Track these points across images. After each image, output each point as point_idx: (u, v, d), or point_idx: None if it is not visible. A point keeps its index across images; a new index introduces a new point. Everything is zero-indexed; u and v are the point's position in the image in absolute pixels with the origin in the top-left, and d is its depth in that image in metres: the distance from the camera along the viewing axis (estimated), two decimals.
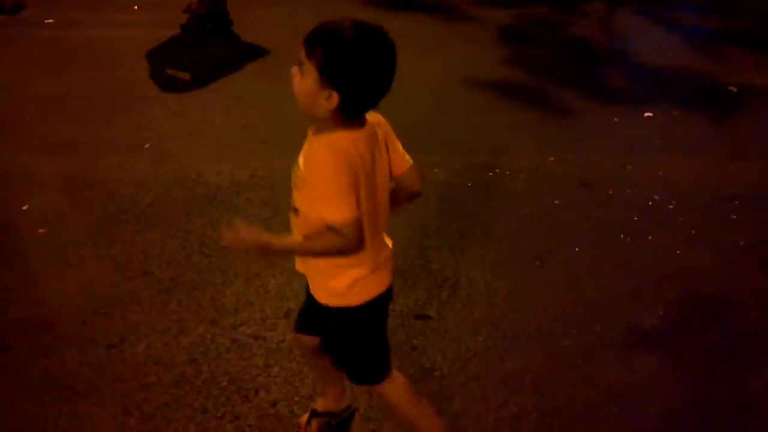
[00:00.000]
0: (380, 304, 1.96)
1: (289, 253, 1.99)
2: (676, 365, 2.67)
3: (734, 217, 3.58)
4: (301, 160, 1.81)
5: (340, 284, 1.88)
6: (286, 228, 3.32)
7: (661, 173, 3.97)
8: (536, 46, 5.85)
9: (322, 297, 1.93)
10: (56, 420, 2.37)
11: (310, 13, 6.63)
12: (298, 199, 1.84)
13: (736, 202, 3.70)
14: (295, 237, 1.88)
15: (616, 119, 4.67)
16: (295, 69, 1.76)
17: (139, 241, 3.29)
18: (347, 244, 1.75)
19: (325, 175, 1.72)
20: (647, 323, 2.87)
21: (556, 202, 3.65)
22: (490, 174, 3.85)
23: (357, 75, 1.70)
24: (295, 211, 1.86)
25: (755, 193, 3.79)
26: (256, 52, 5.53)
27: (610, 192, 3.76)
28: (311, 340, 2.16)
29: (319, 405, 2.34)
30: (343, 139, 1.75)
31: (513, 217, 3.50)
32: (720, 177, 3.97)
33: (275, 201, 3.59)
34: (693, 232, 3.45)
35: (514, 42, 5.91)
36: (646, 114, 4.74)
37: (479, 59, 5.34)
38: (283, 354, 2.64)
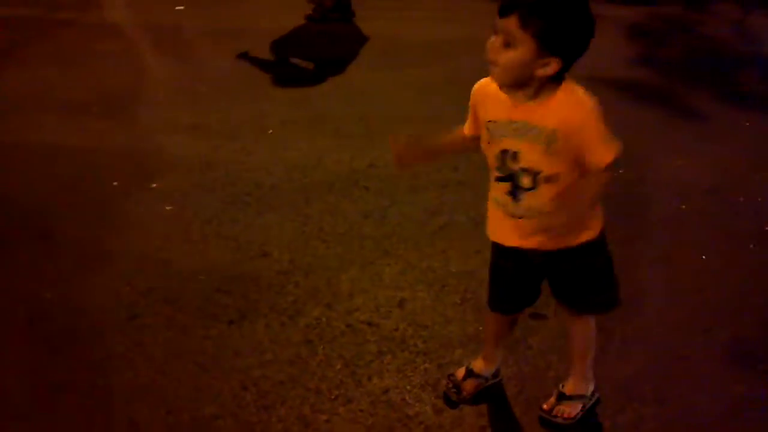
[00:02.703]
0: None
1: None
2: None
3: None
4: (552, 125, 1.83)
5: (598, 216, 2.05)
6: (404, 217, 3.37)
7: None
8: (665, 46, 5.66)
9: (582, 237, 2.01)
10: (176, 390, 2.46)
11: (427, 5, 6.67)
12: (559, 163, 1.88)
13: None
14: (536, 205, 1.94)
15: (747, 123, 4.45)
16: (496, 41, 1.78)
17: (260, 223, 3.38)
18: (613, 177, 1.90)
19: (597, 119, 1.83)
20: None
21: (682, 207, 3.51)
22: (614, 175, 3.74)
23: (580, 39, 1.76)
24: (555, 177, 1.89)
25: None
26: (377, 44, 5.58)
27: (741, 199, 3.58)
28: (509, 318, 2.35)
29: (477, 367, 2.41)
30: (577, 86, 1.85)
31: (638, 221, 3.38)
32: None
33: (392, 191, 3.62)
34: None
35: (642, 40, 5.73)
36: None
37: (607, 57, 5.20)
38: (396, 343, 2.65)
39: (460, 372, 2.43)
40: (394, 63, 5.24)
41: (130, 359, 2.60)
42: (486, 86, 1.97)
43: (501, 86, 1.88)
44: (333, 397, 2.43)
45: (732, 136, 4.27)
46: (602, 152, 1.84)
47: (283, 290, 2.94)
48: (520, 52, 1.74)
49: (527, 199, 1.95)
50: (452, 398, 2.40)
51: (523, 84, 1.83)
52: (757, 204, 3.57)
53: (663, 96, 4.73)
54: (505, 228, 2.07)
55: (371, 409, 2.38)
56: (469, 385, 2.40)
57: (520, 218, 1.99)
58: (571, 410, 2.31)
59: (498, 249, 2.18)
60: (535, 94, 1.83)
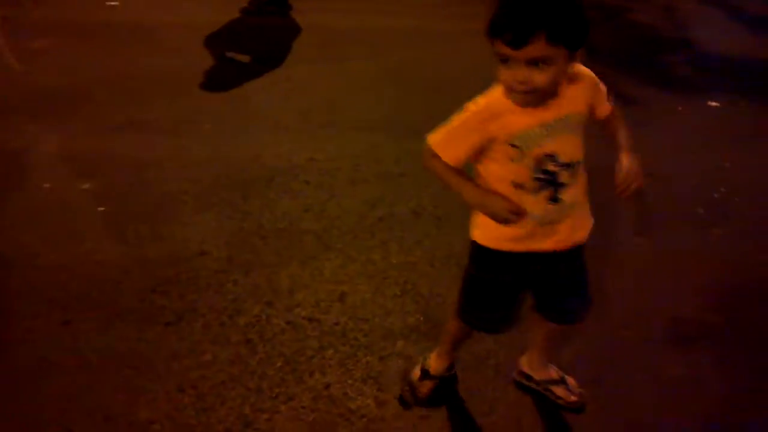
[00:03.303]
0: None
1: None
2: (737, 360, 2.59)
3: None
4: (579, 110, 1.87)
5: None
6: (344, 210, 3.35)
7: (727, 165, 3.85)
8: (598, 33, 5.72)
9: (587, 231, 2.04)
10: (112, 394, 2.40)
11: None
12: (582, 145, 1.91)
13: None
14: (575, 198, 1.93)
15: (680, 108, 4.55)
16: (522, 71, 1.69)
17: (197, 222, 3.32)
18: None
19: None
20: (710, 318, 2.78)
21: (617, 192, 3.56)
22: None
23: (587, 22, 1.74)
24: (579, 164, 1.92)
25: None
26: (314, 36, 5.53)
27: (675, 184, 3.66)
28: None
29: (432, 366, 2.40)
30: None
31: None
32: None
33: (331, 184, 3.60)
34: (759, 226, 3.34)
35: None
36: (711, 103, 4.61)
37: None
38: (337, 337, 2.64)
39: (416, 373, 2.42)
40: (333, 56, 5.21)
41: (64, 366, 2.53)
42: (496, 104, 1.83)
43: (532, 103, 1.79)
44: (274, 395, 2.40)
45: (665, 120, 4.35)
46: (605, 89, 1.96)
47: (222, 289, 2.89)
48: (556, 66, 1.70)
49: (568, 196, 1.90)
50: (409, 402, 2.38)
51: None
52: (691, 187, 3.65)
53: None
54: (536, 235, 1.94)
55: (313, 405, 2.37)
56: (425, 387, 2.39)
57: (554, 223, 1.93)
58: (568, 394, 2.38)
59: (502, 262, 2.02)
60: (555, 92, 1.80)
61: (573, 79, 1.84)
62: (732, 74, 5.09)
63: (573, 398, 2.36)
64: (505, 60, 1.70)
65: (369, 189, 3.58)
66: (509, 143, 1.82)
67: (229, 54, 5.28)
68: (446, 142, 1.90)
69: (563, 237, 1.97)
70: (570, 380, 2.39)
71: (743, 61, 5.31)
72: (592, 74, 1.91)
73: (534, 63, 1.67)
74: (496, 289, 2.09)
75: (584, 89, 1.89)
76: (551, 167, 1.86)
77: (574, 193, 1.92)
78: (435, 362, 2.40)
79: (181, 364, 2.53)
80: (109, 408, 2.35)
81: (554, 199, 1.89)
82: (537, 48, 1.64)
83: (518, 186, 1.87)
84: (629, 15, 6.22)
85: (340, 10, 6.13)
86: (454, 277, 2.90)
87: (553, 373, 2.40)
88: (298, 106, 4.46)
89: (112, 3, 6.17)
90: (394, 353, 2.56)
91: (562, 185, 1.89)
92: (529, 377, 2.41)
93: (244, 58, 5.22)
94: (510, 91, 1.76)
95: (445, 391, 2.40)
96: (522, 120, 1.80)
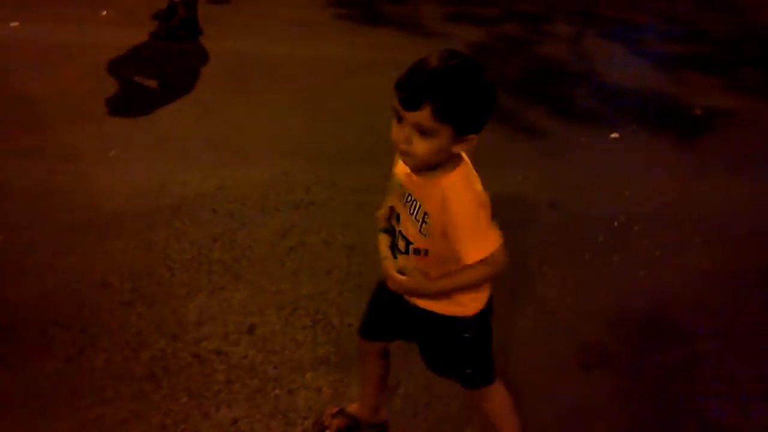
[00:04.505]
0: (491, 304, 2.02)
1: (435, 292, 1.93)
2: (637, 385, 2.68)
3: (698, 239, 3.62)
4: (427, 208, 1.79)
5: (478, 298, 1.95)
6: (254, 240, 3.31)
7: (627, 194, 4.01)
8: (505, 65, 5.89)
9: (454, 311, 1.94)
10: None
11: (281, 23, 6.64)
12: (429, 243, 1.82)
13: (701, 224, 3.74)
14: (417, 274, 1.89)
15: (582, 139, 4.70)
16: (403, 131, 1.69)
17: (100, 252, 3.22)
18: (498, 270, 1.81)
19: (473, 213, 1.75)
20: (610, 343, 2.88)
21: (524, 219, 3.66)
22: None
23: (490, 110, 1.71)
24: (424, 252, 1.85)
25: (719, 217, 3.83)
26: (225, 62, 5.48)
27: (577, 212, 3.78)
28: (378, 346, 2.23)
29: (352, 408, 2.39)
30: (469, 173, 1.78)
31: None
32: (685, 199, 4.01)
33: (242, 213, 3.56)
34: (657, 253, 3.48)
35: (482, 59, 5.90)
36: (613, 135, 4.79)
37: None
38: (245, 370, 2.60)
39: (331, 410, 2.40)
40: (243, 82, 5.17)
41: None
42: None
43: (410, 168, 1.80)
44: (179, 431, 2.34)
45: (569, 151, 4.50)
46: (470, 249, 1.77)
47: (126, 322, 2.81)
48: (439, 140, 1.68)
49: (400, 259, 1.93)
50: None
51: (436, 163, 1.76)
52: (592, 216, 3.77)
53: (502, 114, 4.90)
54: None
55: None
56: (338, 422, 2.37)
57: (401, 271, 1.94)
58: None
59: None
60: (431, 170, 1.76)
61: (446, 181, 1.75)
62: (632, 106, 5.31)
63: None
64: (397, 117, 1.72)
65: (279, 218, 3.56)
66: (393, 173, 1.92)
67: (137, 78, 5.17)
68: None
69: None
70: None
71: (643, 93, 5.55)
72: (466, 204, 1.76)
73: (419, 130, 1.67)
74: (380, 294, 2.10)
75: (440, 197, 1.76)
76: (394, 223, 1.93)
77: (408, 264, 1.90)
78: (354, 405, 2.40)
79: (82, 401, 2.44)
80: None
81: (391, 250, 1.95)
82: (423, 117, 1.64)
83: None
84: (534, 47, 6.41)
85: (250, 37, 6.10)
86: (365, 306, 2.92)
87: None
88: (207, 133, 4.39)
89: (13, 24, 5.96)
90: (303, 386, 2.54)
91: (397, 246, 1.92)
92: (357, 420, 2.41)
93: (152, 83, 5.12)
94: (395, 146, 1.76)
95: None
96: (401, 165, 1.85)
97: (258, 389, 2.52)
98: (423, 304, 1.96)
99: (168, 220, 3.47)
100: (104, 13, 6.40)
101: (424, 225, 1.80)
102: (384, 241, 1.98)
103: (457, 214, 1.74)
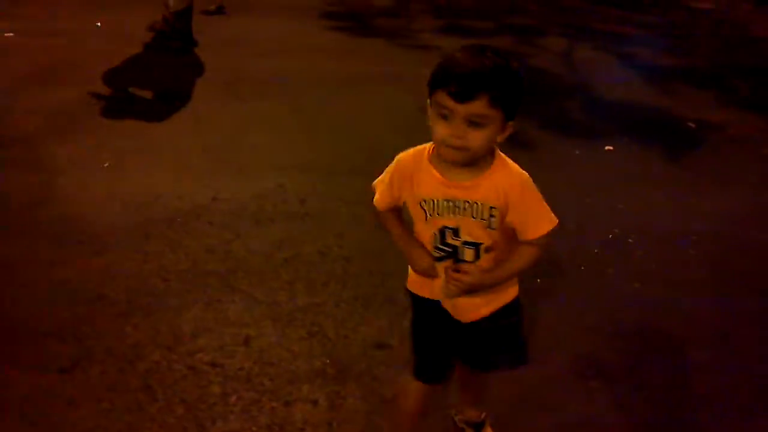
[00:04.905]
0: None
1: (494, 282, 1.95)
2: (632, 398, 2.68)
3: (692, 252, 3.64)
4: (492, 203, 1.80)
5: (514, 282, 2.02)
6: (249, 251, 3.31)
7: (621, 206, 4.03)
8: None
9: (508, 298, 2.01)
10: None
11: (275, 35, 6.67)
12: (497, 235, 1.86)
13: (694, 237, 3.76)
14: (474, 269, 1.89)
15: (577, 152, 4.73)
16: (462, 130, 1.70)
17: (96, 263, 3.22)
18: (543, 253, 1.91)
19: (537, 194, 1.84)
20: (606, 355, 2.88)
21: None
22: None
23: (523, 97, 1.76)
24: (487, 249, 1.87)
25: (711, 229, 3.85)
26: (219, 74, 5.50)
27: (571, 224, 3.78)
28: (436, 387, 2.18)
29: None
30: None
31: None
32: (678, 212, 4.04)
33: (236, 224, 3.56)
34: (651, 266, 3.50)
35: None
36: (607, 147, 4.82)
37: None
38: (241, 382, 2.59)
39: None
40: (238, 94, 5.19)
41: None
42: (418, 161, 1.86)
43: (457, 164, 1.78)
44: None
45: (563, 164, 4.52)
46: (539, 223, 1.85)
47: (121, 333, 2.80)
48: (492, 128, 1.71)
49: (468, 268, 1.90)
50: None
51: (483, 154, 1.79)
52: (587, 228, 3.79)
53: None
54: (432, 283, 1.98)
55: None
56: None
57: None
58: None
59: (418, 300, 2.06)
60: (474, 169, 1.79)
61: (496, 172, 1.81)
62: (625, 119, 5.35)
63: None
64: (444, 115, 1.71)
65: (275, 229, 3.56)
66: (418, 203, 1.87)
67: (131, 90, 5.18)
68: (378, 186, 1.97)
69: (460, 311, 1.99)
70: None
71: (636, 106, 5.60)
72: (526, 183, 1.84)
73: (472, 121, 1.69)
74: (425, 330, 2.12)
75: (504, 187, 1.81)
76: (453, 241, 1.88)
77: (470, 269, 1.90)
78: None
79: (77, 413, 2.42)
80: None
81: (456, 272, 1.91)
82: (479, 105, 1.67)
83: (427, 244, 1.92)
84: (528, 60, 6.45)
85: (244, 49, 6.13)
86: (361, 317, 2.93)
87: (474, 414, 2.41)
88: (202, 145, 4.40)
89: (8, 34, 5.97)
90: (300, 398, 2.53)
91: (464, 261, 1.90)
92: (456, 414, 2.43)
93: (147, 94, 5.13)
94: (442, 146, 1.74)
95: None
96: (431, 187, 1.83)
97: (254, 401, 2.51)
98: (474, 315, 1.98)
99: (163, 231, 3.47)
100: (98, 24, 6.42)
101: (492, 219, 1.83)
102: (429, 264, 1.95)
103: (529, 191, 1.83)
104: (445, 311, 2.01)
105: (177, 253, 3.31)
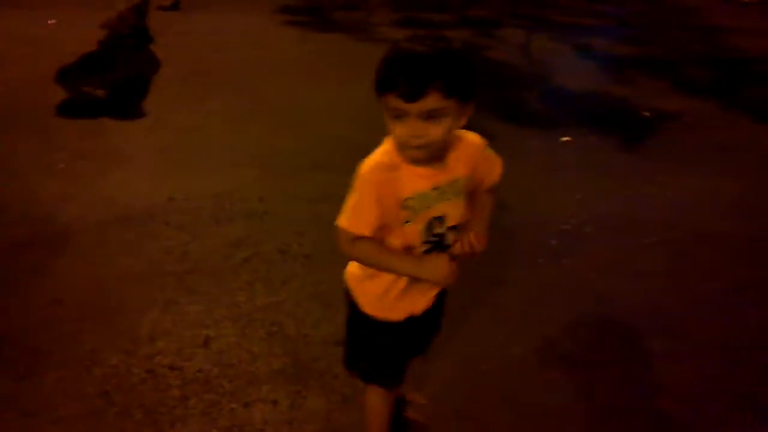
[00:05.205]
0: None
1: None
2: (591, 388, 2.71)
3: (648, 240, 3.68)
4: (463, 175, 1.84)
5: None
6: (207, 251, 3.28)
7: (578, 197, 4.06)
8: None
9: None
10: None
11: (232, 30, 6.61)
12: (468, 206, 1.90)
13: (650, 225, 3.80)
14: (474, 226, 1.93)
15: (534, 142, 4.76)
16: (419, 128, 1.66)
17: (51, 267, 3.16)
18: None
19: (486, 143, 1.91)
20: (566, 346, 2.91)
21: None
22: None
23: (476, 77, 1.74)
24: (464, 225, 1.91)
25: (668, 218, 3.90)
26: (176, 70, 5.43)
27: (529, 216, 3.82)
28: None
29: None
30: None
31: None
32: (635, 201, 4.08)
33: (193, 224, 3.52)
34: (609, 256, 3.53)
35: None
36: (564, 138, 4.86)
37: None
38: (200, 384, 2.57)
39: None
40: (195, 91, 5.13)
41: None
42: (392, 165, 1.75)
43: (425, 160, 1.74)
44: None
45: (520, 155, 4.54)
46: (495, 172, 1.94)
47: (78, 339, 2.76)
48: (449, 118, 1.67)
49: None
50: None
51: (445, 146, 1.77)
52: (544, 219, 3.81)
53: None
54: (416, 298, 1.97)
55: None
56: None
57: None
58: None
59: (388, 325, 2.00)
60: (446, 150, 1.78)
61: (458, 142, 1.81)
62: (583, 110, 5.39)
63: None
64: (398, 116, 1.66)
65: (233, 229, 3.53)
66: (401, 205, 1.77)
67: (86, 87, 5.08)
68: (356, 218, 1.77)
69: (429, 301, 2.00)
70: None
71: (593, 96, 5.65)
72: (480, 142, 1.89)
73: (428, 116, 1.65)
74: (387, 346, 2.05)
75: (470, 154, 1.85)
76: (439, 230, 1.87)
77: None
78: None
79: (33, 421, 2.38)
80: None
81: (442, 250, 1.89)
82: (431, 100, 1.62)
83: (408, 250, 1.85)
84: (486, 52, 6.48)
85: (200, 44, 6.06)
86: (321, 315, 2.92)
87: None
88: (158, 143, 4.35)
89: None
90: (260, 399, 2.51)
91: (447, 246, 1.90)
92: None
93: (101, 93, 5.04)
94: (404, 147, 1.71)
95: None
96: (416, 182, 1.77)
97: (213, 404, 2.49)
98: (431, 299, 2.01)
99: (119, 233, 3.42)
100: (52, 21, 6.30)
101: (467, 191, 1.87)
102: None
103: (484, 147, 1.90)
104: (407, 320, 1.99)
105: (133, 255, 3.27)
